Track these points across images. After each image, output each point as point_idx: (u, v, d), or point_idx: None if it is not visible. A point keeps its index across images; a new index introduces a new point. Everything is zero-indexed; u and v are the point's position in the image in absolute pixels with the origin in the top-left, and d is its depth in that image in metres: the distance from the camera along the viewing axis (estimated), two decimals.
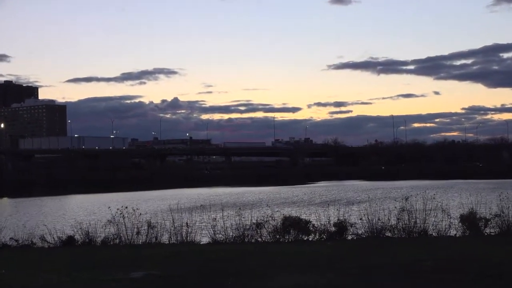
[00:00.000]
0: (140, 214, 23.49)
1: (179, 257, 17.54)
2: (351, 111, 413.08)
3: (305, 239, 22.34)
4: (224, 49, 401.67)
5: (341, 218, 23.28)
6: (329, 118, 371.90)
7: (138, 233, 22.77)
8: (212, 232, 23.07)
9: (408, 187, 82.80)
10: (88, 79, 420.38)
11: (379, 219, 22.90)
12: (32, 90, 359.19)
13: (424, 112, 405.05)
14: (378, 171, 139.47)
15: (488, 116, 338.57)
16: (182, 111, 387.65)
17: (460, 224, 22.79)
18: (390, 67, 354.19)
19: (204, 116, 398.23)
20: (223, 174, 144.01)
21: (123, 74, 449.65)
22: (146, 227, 22.95)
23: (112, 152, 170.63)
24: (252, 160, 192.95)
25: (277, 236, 22.49)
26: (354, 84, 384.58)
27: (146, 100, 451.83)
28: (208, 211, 26.43)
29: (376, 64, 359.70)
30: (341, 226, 22.68)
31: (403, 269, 14.32)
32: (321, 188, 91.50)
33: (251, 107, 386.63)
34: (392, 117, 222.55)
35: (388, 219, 22.99)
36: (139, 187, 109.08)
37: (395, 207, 23.53)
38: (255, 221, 22.98)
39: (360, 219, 23.23)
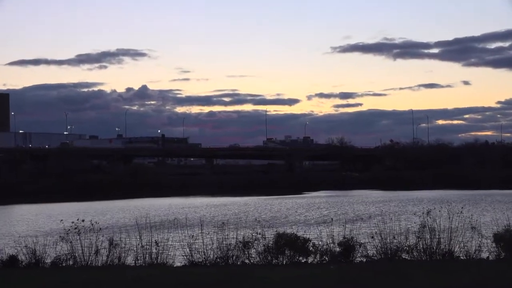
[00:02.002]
0: (100, 229, 23.41)
1: (147, 283, 17.48)
2: (360, 104, 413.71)
3: (303, 261, 22.34)
4: (205, 27, 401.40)
5: (348, 236, 23.29)
6: (334, 112, 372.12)
7: (97, 252, 22.70)
8: (189, 252, 23.03)
9: (430, 198, 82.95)
10: (35, 62, 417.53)
11: (394, 237, 22.94)
12: None
13: (450, 106, 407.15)
14: (394, 179, 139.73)
15: None
16: (152, 102, 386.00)
17: (493, 244, 22.87)
18: (408, 50, 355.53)
19: (180, 109, 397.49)
20: (202, 180, 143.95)
21: (79, 56, 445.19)
22: (107, 246, 22.88)
23: (66, 152, 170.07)
24: (238, 164, 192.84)
25: (269, 258, 22.48)
26: (365, 71, 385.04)
27: (107, 89, 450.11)
28: (183, 226, 26.40)
29: (392, 46, 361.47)
30: (348, 246, 22.69)
31: None
32: (322, 199, 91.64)
33: (238, 98, 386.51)
34: (411, 112, 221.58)
35: (406, 237, 23.04)
36: (99, 195, 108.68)
37: (414, 223, 23.57)
38: (241, 239, 22.96)
39: (371, 237, 23.26)
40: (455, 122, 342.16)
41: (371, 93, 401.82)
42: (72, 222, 23.06)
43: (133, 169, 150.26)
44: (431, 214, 23.32)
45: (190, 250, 23.07)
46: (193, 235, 23.74)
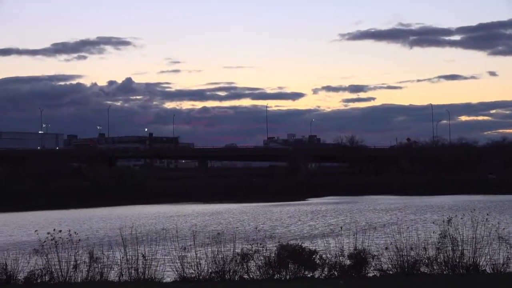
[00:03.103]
0: (80, 240, 23.40)
1: None
2: (373, 98, 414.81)
3: (309, 275, 22.35)
4: (197, 12, 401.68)
5: (359, 247, 23.31)
6: (343, 108, 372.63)
7: (76, 267, 22.68)
8: (180, 266, 23.01)
9: (451, 204, 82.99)
10: (5, 52, 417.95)
11: (411, 248, 22.95)
12: None
13: (474, 100, 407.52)
14: (411, 183, 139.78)
15: None
16: (138, 97, 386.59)
17: None
18: (427, 37, 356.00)
19: (169, 105, 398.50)
20: (195, 185, 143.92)
21: (55, 44, 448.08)
22: (87, 259, 22.85)
23: (42, 154, 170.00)
24: (236, 166, 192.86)
25: (271, 272, 22.49)
26: (378, 61, 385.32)
27: (87, 82, 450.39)
28: (173, 237, 26.39)
29: (408, 33, 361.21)
30: (359, 259, 22.69)
31: None
32: (330, 205, 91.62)
33: (234, 93, 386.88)
34: (430, 107, 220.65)
35: (425, 249, 23.04)
36: (78, 202, 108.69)
37: (433, 233, 23.56)
38: (239, 251, 22.96)
39: (386, 248, 23.27)
40: (480, 118, 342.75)
41: (385, 86, 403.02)
42: (48, 233, 23.03)
43: (117, 172, 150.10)
44: (453, 223, 23.32)
45: (181, 264, 23.05)
46: (184, 247, 23.74)
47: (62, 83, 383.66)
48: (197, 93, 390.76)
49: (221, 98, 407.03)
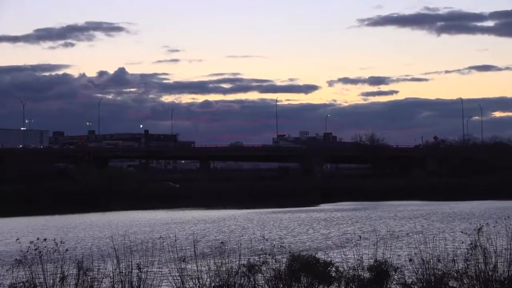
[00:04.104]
0: (67, 250, 23.43)
1: None
2: (396, 91, 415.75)
3: None
4: None
5: (380, 258, 23.33)
6: (362, 102, 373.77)
7: (63, 280, 22.70)
8: (179, 279, 23.05)
9: (483, 211, 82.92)
10: None
11: (439, 260, 22.95)
12: None
13: (510, 93, 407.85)
14: (438, 186, 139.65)
15: None
16: (132, 89, 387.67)
17: None
18: (456, 23, 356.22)
19: (167, 98, 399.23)
20: (196, 189, 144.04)
21: (38, 31, 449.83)
22: (75, 271, 22.89)
23: (24, 153, 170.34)
24: (242, 168, 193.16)
25: (281, 286, 22.49)
26: (401, 50, 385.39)
27: (75, 72, 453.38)
28: (172, 247, 26.44)
29: (435, 18, 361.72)
30: (380, 271, 22.70)
31: None
32: (347, 212, 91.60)
33: (240, 85, 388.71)
34: (460, 101, 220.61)
35: (453, 260, 23.03)
36: (65, 207, 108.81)
37: (463, 243, 23.55)
38: (245, 263, 22.99)
39: (410, 260, 23.27)
40: None
41: (408, 77, 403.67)
42: (31, 242, 23.06)
43: (108, 174, 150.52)
44: (484, 232, 23.30)
45: (180, 277, 23.07)
46: (184, 258, 23.75)
47: (46, 73, 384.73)
48: (198, 85, 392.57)
49: (225, 91, 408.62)
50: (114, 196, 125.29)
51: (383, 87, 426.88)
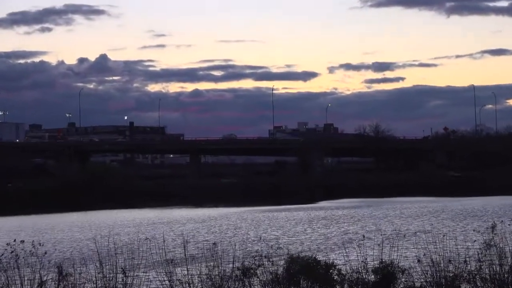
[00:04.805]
0: (46, 253, 23.43)
1: None
2: (402, 78, 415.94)
3: None
4: None
5: (386, 259, 23.37)
6: (366, 90, 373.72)
7: (41, 285, 22.69)
8: (168, 284, 23.06)
9: (498, 207, 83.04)
10: None
11: (450, 261, 22.99)
12: None
13: None
14: (448, 181, 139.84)
15: None
16: (115, 78, 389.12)
17: None
18: (468, 3, 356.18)
19: (153, 87, 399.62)
20: (185, 185, 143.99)
21: (12, 14, 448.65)
22: (55, 276, 22.88)
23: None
24: (235, 162, 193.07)
25: None
26: (407, 32, 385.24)
27: (52, 60, 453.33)
28: (159, 249, 26.45)
29: None
30: (386, 274, 22.73)
31: None
32: (349, 210, 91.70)
33: (233, 72, 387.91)
34: (472, 88, 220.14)
35: (465, 261, 23.08)
36: (44, 206, 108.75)
37: (475, 241, 23.60)
38: (240, 265, 23.00)
39: (418, 261, 23.32)
40: None
41: (416, 63, 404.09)
42: (7, 244, 23.05)
43: (90, 170, 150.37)
44: (498, 230, 23.33)
45: (169, 281, 23.09)
46: (172, 261, 23.75)
47: (21, 61, 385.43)
48: (187, 73, 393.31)
49: (216, 79, 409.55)
50: (96, 194, 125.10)
51: (389, 74, 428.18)
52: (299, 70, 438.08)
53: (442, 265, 22.91)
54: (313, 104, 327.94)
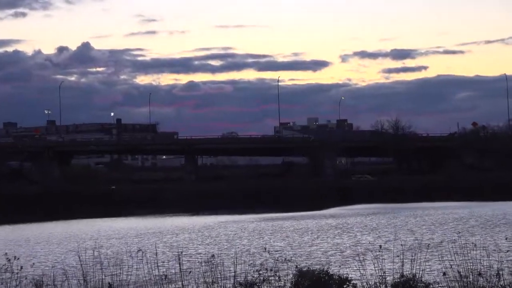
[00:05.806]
0: (21, 268, 23.45)
1: None
2: (425, 67, 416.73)
3: None
4: None
5: (407, 273, 23.34)
6: (384, 81, 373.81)
7: None
8: None
9: None
10: None
11: (480, 274, 22.96)
12: None
13: None
14: (478, 183, 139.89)
15: None
16: (100, 69, 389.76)
17: None
18: None
19: (143, 79, 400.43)
20: (180, 190, 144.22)
21: None
22: None
23: None
24: (237, 164, 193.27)
25: None
26: (430, 16, 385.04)
27: (28, 49, 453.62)
28: (152, 261, 26.47)
29: None
30: (408, 287, 22.73)
31: None
32: (364, 217, 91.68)
33: (233, 62, 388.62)
34: (504, 77, 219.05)
35: (497, 274, 23.05)
36: (20, 215, 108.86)
37: (508, 251, 23.60)
38: (243, 280, 22.99)
39: (443, 274, 23.30)
40: None
41: (440, 50, 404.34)
42: None
43: (73, 173, 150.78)
44: None
45: None
46: (166, 276, 23.76)
47: None
48: (181, 63, 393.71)
49: (214, 70, 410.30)
50: (79, 201, 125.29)
51: (409, 62, 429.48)
52: (308, 58, 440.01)
53: (471, 278, 22.89)
54: (324, 98, 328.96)
